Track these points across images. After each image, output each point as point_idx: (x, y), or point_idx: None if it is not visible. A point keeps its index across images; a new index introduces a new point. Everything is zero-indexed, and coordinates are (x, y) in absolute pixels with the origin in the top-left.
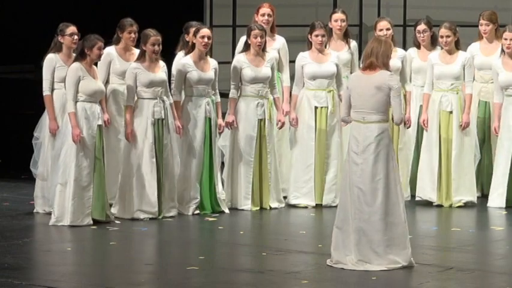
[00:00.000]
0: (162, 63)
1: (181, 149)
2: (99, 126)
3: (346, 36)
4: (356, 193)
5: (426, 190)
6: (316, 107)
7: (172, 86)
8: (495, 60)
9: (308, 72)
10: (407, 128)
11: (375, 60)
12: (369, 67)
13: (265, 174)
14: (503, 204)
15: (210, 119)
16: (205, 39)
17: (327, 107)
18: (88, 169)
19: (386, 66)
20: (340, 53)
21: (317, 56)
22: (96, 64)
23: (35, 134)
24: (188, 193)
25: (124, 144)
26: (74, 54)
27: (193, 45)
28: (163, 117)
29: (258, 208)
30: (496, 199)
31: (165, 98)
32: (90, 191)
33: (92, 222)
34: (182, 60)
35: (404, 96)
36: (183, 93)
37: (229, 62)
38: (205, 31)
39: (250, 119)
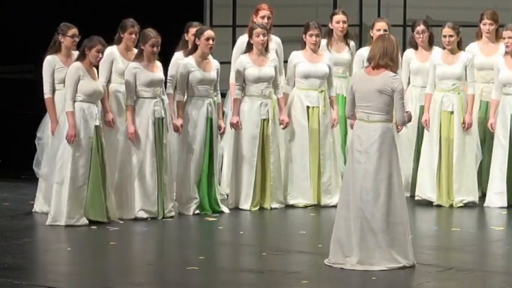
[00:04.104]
0: (159, 64)
1: (182, 149)
2: (96, 126)
3: (346, 37)
4: (358, 192)
5: (426, 190)
6: (308, 107)
7: (169, 85)
8: (498, 58)
9: (301, 71)
10: (399, 131)
11: (381, 61)
12: (374, 67)
13: (268, 174)
14: (505, 204)
15: (211, 120)
16: (211, 42)
17: (319, 107)
18: (83, 169)
19: (395, 64)
20: (341, 53)
21: (310, 56)
22: (97, 67)
23: (38, 135)
24: (187, 193)
25: (122, 143)
26: (74, 53)
27: (195, 45)
28: (162, 116)
29: (258, 208)
30: (496, 198)
31: (163, 97)
32: (85, 191)
33: (87, 222)
34: (184, 60)
35: None
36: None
37: (229, 62)
38: (210, 33)
39: (253, 119)
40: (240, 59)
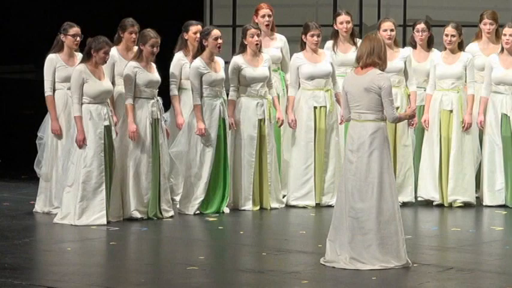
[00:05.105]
0: (154, 65)
1: (195, 149)
2: (106, 127)
3: (352, 36)
4: (350, 191)
5: (428, 189)
6: (315, 107)
7: (173, 86)
8: (492, 56)
9: (305, 73)
10: (412, 128)
11: (368, 59)
12: (363, 67)
13: (265, 174)
14: (503, 202)
15: (224, 120)
16: (219, 40)
17: (326, 107)
18: (97, 171)
19: (383, 62)
20: (348, 53)
21: (311, 56)
22: None
23: (39, 134)
24: (195, 192)
25: (118, 143)
26: (76, 54)
27: (202, 46)
28: (158, 117)
29: (258, 208)
30: (494, 196)
31: (159, 98)
32: (103, 192)
33: (106, 222)
34: (194, 63)
35: (408, 96)
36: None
37: (230, 62)
38: (217, 32)
39: (250, 119)
40: (234, 60)
